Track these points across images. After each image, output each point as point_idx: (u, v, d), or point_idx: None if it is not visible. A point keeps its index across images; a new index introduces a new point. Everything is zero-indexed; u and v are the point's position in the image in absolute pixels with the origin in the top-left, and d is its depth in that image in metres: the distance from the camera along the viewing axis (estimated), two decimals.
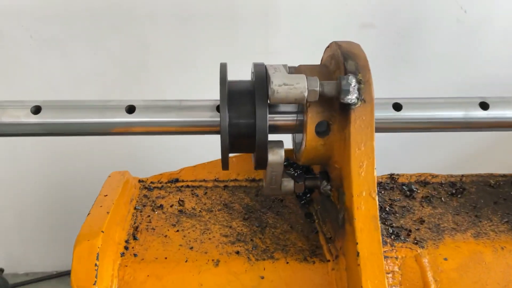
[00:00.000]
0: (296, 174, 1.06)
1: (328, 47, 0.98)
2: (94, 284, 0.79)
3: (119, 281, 0.85)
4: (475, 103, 0.95)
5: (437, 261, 0.92)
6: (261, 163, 0.91)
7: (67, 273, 2.42)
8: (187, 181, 1.18)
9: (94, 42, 1.96)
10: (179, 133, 0.94)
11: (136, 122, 0.91)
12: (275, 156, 0.89)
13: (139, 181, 1.17)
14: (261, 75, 0.88)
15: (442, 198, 1.12)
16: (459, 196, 1.13)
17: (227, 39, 1.99)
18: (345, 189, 0.86)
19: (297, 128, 0.93)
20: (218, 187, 1.17)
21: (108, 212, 0.91)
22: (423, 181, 1.19)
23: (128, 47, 1.98)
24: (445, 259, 0.92)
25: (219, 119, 0.91)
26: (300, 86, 0.79)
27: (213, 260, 0.89)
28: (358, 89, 0.82)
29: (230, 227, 1.00)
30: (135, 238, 0.95)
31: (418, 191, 1.15)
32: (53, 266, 2.46)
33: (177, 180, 1.18)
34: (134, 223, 1.00)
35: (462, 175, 1.22)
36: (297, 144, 0.98)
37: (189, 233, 0.98)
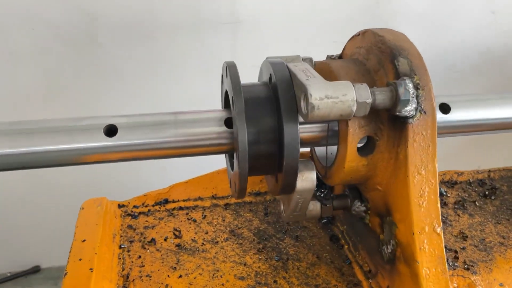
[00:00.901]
0: (321, 195, 0.87)
1: (357, 35, 0.78)
2: None
3: None
4: None
5: (492, 286, 0.79)
6: (288, 189, 0.71)
7: (22, 275, 2.21)
8: (178, 201, 0.97)
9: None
10: (176, 156, 0.72)
11: (119, 147, 0.68)
12: (305, 182, 0.70)
13: (119, 206, 0.94)
14: (285, 78, 0.67)
15: (476, 202, 0.98)
16: (492, 198, 1.00)
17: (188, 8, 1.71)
18: (398, 221, 0.69)
19: (329, 141, 0.74)
20: (218, 206, 0.96)
21: (91, 269, 0.69)
22: (450, 181, 1.05)
23: None
24: (501, 284, 0.79)
25: (227, 135, 0.70)
26: (348, 99, 0.59)
27: None
28: (417, 97, 0.64)
29: (245, 264, 0.81)
30: None
31: (448, 195, 1.00)
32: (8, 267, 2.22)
33: (166, 201, 0.96)
34: (123, 269, 0.79)
35: (489, 170, 1.09)
36: (324, 159, 0.79)
37: (195, 278, 0.78)
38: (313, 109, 0.59)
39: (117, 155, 0.69)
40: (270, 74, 0.71)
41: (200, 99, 1.72)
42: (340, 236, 0.88)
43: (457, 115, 0.76)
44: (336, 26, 1.82)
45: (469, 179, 1.05)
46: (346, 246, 0.86)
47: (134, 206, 0.94)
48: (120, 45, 1.76)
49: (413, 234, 0.65)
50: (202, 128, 0.71)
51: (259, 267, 0.81)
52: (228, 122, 0.71)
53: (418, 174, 0.65)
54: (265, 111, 0.68)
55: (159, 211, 0.94)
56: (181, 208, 0.95)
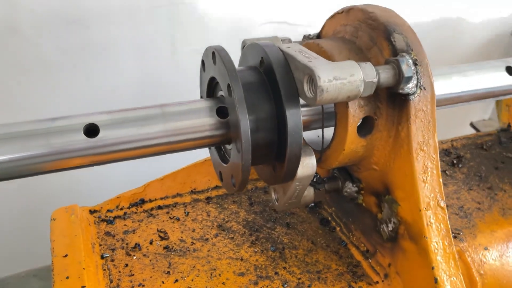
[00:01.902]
0: (314, 179, 0.85)
1: (340, 12, 0.75)
2: None
3: None
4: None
5: (478, 252, 0.82)
6: (289, 177, 0.68)
7: None
8: (156, 199, 0.90)
9: None
10: (166, 153, 0.66)
11: (103, 147, 0.61)
12: (306, 169, 0.67)
13: (90, 211, 0.86)
14: (281, 61, 0.63)
15: (447, 172, 1.02)
16: (460, 166, 1.04)
17: None
18: (400, 199, 0.69)
19: (325, 124, 0.72)
20: (199, 201, 0.91)
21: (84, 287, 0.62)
22: None
23: None
24: (486, 248, 0.83)
25: (220, 125, 0.65)
26: (356, 79, 0.57)
27: None
28: (416, 73, 0.63)
29: (241, 259, 0.78)
30: None
31: None
32: None
33: (143, 201, 0.89)
34: (111, 281, 0.72)
35: (452, 140, 1.14)
36: (312, 144, 0.76)
37: (193, 280, 0.73)
38: (322, 92, 0.56)
39: (102, 157, 0.61)
40: (262, 57, 0.66)
41: (140, 89, 1.62)
42: (329, 218, 0.87)
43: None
44: (276, 4, 1.78)
45: None
46: (338, 228, 0.85)
47: (108, 210, 0.86)
48: (46, 34, 1.59)
49: (420, 210, 0.65)
50: (193, 120, 0.65)
51: (256, 260, 0.78)
52: (221, 112, 0.66)
53: (421, 151, 0.65)
54: (262, 97, 0.64)
55: (136, 213, 0.87)
56: (160, 207, 0.88)
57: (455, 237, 0.83)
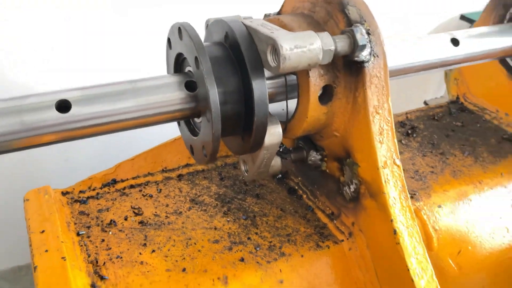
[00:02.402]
0: (280, 149, 0.90)
1: None
2: None
3: None
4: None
5: (433, 209, 0.90)
6: (256, 146, 0.72)
7: None
8: (128, 179, 0.92)
9: None
10: (137, 127, 0.69)
11: (75, 122, 0.63)
12: (273, 137, 0.72)
13: (63, 193, 0.87)
14: (245, 35, 0.67)
15: (402, 141, 1.10)
16: (414, 135, 1.12)
17: None
18: (360, 161, 0.75)
19: (288, 96, 0.76)
20: (170, 178, 0.94)
21: (64, 258, 0.63)
22: None
23: None
24: (439, 206, 0.90)
25: (190, 99, 0.69)
26: (315, 47, 0.62)
27: (219, 278, 0.71)
28: (369, 42, 0.69)
29: (215, 228, 0.81)
30: (102, 278, 0.70)
31: None
32: None
33: (114, 181, 0.91)
34: (89, 255, 0.74)
35: (406, 113, 1.22)
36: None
37: (169, 250, 0.76)
38: (284, 60, 0.61)
39: (74, 133, 0.63)
40: (226, 32, 0.70)
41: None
42: (296, 187, 0.92)
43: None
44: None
45: None
46: (304, 196, 0.90)
47: (81, 192, 0.87)
48: None
49: (378, 169, 0.71)
50: (163, 94, 0.68)
51: (229, 228, 0.81)
52: (190, 85, 0.69)
53: (377, 114, 0.70)
54: (228, 70, 0.68)
55: (109, 192, 0.89)
56: (132, 186, 0.90)
57: (411, 197, 0.89)
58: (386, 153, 0.71)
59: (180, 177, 0.94)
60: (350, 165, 0.77)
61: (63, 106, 0.62)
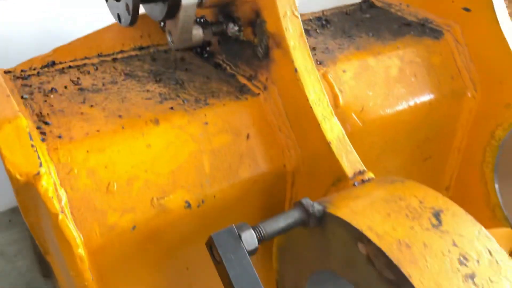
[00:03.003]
0: (201, 20, 1.01)
1: None
2: (40, 166, 0.66)
3: (56, 165, 0.72)
4: None
5: (338, 74, 1.05)
6: (174, 9, 0.83)
7: None
8: (66, 62, 1.01)
9: None
10: None
11: None
12: None
13: (5, 72, 0.95)
14: None
15: (317, 30, 1.24)
16: (328, 26, 1.26)
17: None
18: (266, 17, 0.87)
19: None
20: (106, 61, 1.03)
21: (7, 95, 0.73)
22: None
23: None
24: (344, 71, 1.06)
25: None
26: None
27: (151, 120, 0.83)
28: None
29: (148, 91, 0.92)
30: (46, 123, 0.80)
31: None
32: None
33: (54, 63, 0.99)
34: (33, 111, 0.83)
35: (323, 11, 1.35)
36: None
37: (106, 105, 0.87)
38: None
39: None
40: None
41: None
42: (221, 62, 1.05)
43: None
44: None
45: (310, 18, 1.30)
46: (228, 67, 1.03)
47: (22, 70, 0.96)
48: None
49: (279, 19, 0.84)
50: None
51: (161, 91, 0.93)
52: None
53: None
54: None
55: (49, 71, 0.97)
56: (71, 67, 0.99)
57: (320, 63, 1.04)
58: (286, 4, 0.84)
59: (115, 60, 1.04)
60: (260, 25, 0.90)
61: None
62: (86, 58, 1.03)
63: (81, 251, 0.68)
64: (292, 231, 0.74)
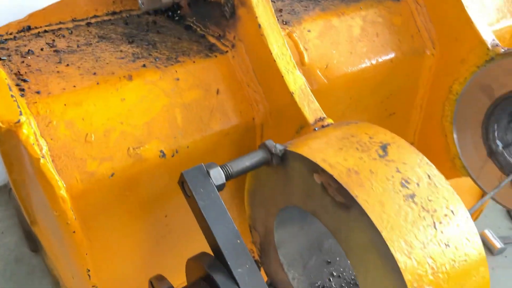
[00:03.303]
0: None
1: None
2: (21, 114, 0.71)
3: (36, 117, 0.77)
4: None
5: (303, 33, 1.11)
6: None
7: None
8: (41, 27, 1.04)
9: None
10: None
11: None
12: None
13: None
14: None
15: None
16: None
17: None
18: None
19: None
20: (80, 26, 1.07)
21: None
22: None
23: None
24: (309, 30, 1.12)
25: None
26: None
27: (125, 76, 0.88)
28: None
29: (121, 51, 0.97)
30: (25, 81, 0.84)
31: None
32: None
33: (29, 28, 1.03)
34: (11, 70, 0.88)
35: None
36: None
37: (82, 64, 0.91)
38: None
39: None
40: None
41: None
42: (192, 25, 1.10)
43: None
44: None
45: None
46: (198, 29, 1.08)
47: None
48: None
49: None
50: None
51: (133, 50, 0.98)
52: None
53: None
54: None
55: (25, 36, 1.01)
56: (46, 31, 1.03)
57: (285, 23, 1.10)
58: None
59: (89, 24, 1.08)
60: None
61: None
62: (60, 23, 1.07)
63: (63, 192, 0.74)
64: (259, 174, 0.81)
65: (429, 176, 0.68)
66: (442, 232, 0.63)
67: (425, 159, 0.71)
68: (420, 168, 0.69)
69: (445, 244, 0.63)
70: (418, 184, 0.67)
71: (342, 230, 0.67)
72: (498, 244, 2.63)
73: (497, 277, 2.53)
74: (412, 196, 0.65)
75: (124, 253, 0.91)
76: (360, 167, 0.68)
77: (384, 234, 0.60)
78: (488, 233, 2.70)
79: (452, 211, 0.66)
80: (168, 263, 0.99)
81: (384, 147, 0.71)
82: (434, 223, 0.64)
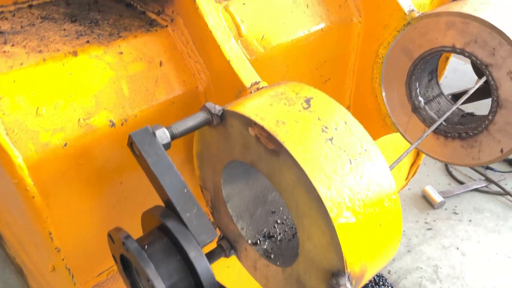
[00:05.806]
0: None
1: None
2: None
3: None
4: None
5: (239, 6, 1.19)
6: None
7: None
8: None
9: None
10: None
11: None
12: None
13: None
14: None
15: None
16: None
17: None
18: None
19: None
20: (22, 8, 1.11)
21: None
22: None
23: None
24: (244, 3, 1.20)
25: None
26: None
27: (70, 52, 0.93)
28: None
29: (64, 29, 1.02)
30: None
31: None
32: None
33: None
34: None
35: None
36: None
37: (27, 43, 0.96)
38: None
39: None
40: None
41: None
42: (132, 2, 1.15)
43: None
44: None
45: None
46: (138, 6, 1.14)
47: None
48: None
49: None
50: None
51: (77, 28, 1.03)
52: None
53: None
54: None
55: None
56: None
57: None
58: None
59: (31, 6, 1.11)
60: None
61: None
62: (2, 6, 1.09)
63: (19, 160, 0.80)
64: (204, 136, 0.90)
65: (345, 122, 0.80)
66: (356, 166, 0.75)
67: (343, 109, 0.82)
68: (339, 116, 0.80)
69: (360, 177, 0.75)
70: (336, 129, 0.78)
71: (275, 173, 0.78)
72: (438, 198, 2.87)
73: (439, 227, 2.78)
74: (331, 139, 0.76)
75: (83, 217, 0.98)
76: (287, 118, 0.78)
77: (307, 171, 0.71)
78: (429, 189, 2.94)
79: (365, 150, 0.77)
80: (125, 225, 1.07)
81: (308, 101, 0.82)
82: (350, 160, 0.75)
